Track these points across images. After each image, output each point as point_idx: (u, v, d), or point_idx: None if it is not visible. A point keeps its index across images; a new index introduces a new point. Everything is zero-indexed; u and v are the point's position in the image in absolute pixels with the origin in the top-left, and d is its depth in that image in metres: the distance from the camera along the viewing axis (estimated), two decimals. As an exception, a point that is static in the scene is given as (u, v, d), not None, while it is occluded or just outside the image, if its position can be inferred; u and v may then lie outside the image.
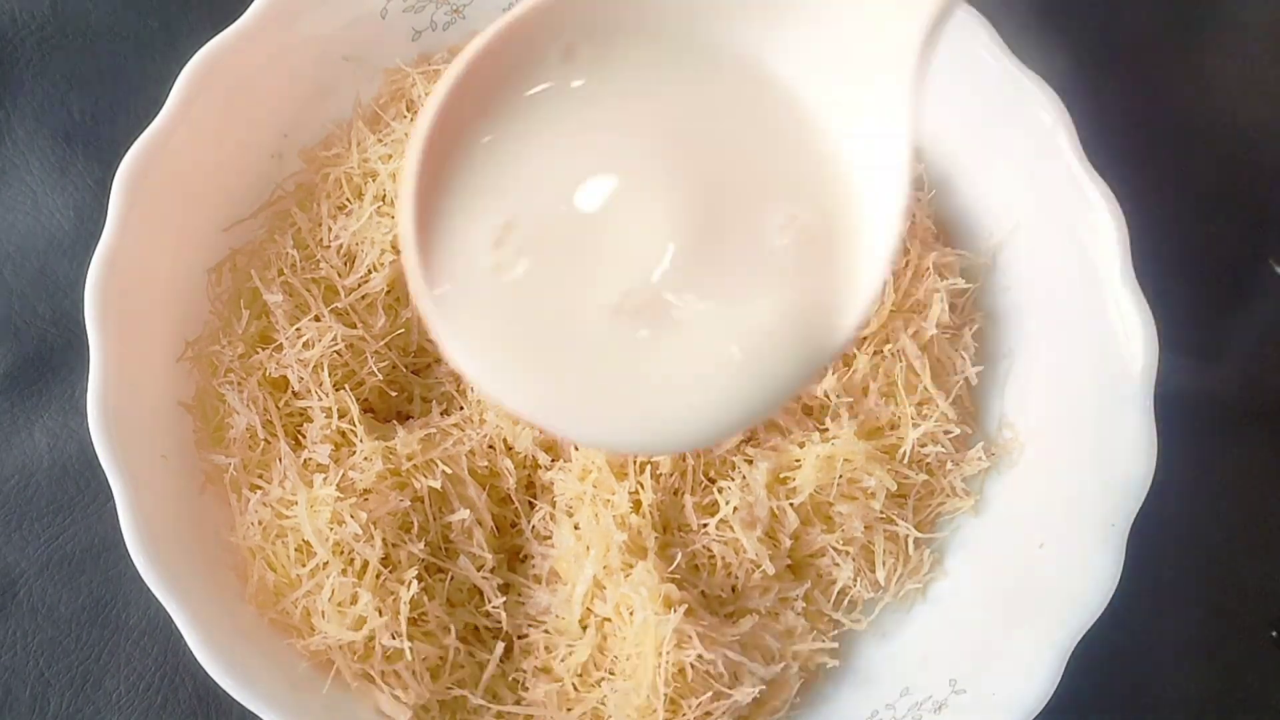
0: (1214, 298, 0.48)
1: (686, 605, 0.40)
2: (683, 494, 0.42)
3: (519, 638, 0.42)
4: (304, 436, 0.42)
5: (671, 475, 0.42)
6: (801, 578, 0.44)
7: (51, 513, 0.45)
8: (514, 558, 0.44)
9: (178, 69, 0.40)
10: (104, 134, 0.48)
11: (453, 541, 0.42)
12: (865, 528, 0.43)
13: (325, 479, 0.40)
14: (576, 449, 0.43)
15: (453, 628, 0.41)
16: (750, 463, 0.43)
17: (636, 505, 0.41)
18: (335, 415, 0.42)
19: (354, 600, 0.39)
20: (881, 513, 0.43)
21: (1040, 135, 0.42)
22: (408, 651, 0.39)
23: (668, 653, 0.39)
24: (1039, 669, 0.38)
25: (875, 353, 0.44)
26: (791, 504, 0.42)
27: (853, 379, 0.44)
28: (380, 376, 0.44)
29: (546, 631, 0.42)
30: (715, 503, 0.42)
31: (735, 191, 0.30)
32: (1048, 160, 0.42)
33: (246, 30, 0.41)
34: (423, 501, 0.42)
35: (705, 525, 0.42)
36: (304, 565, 0.40)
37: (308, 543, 0.40)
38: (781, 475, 0.43)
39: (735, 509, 0.42)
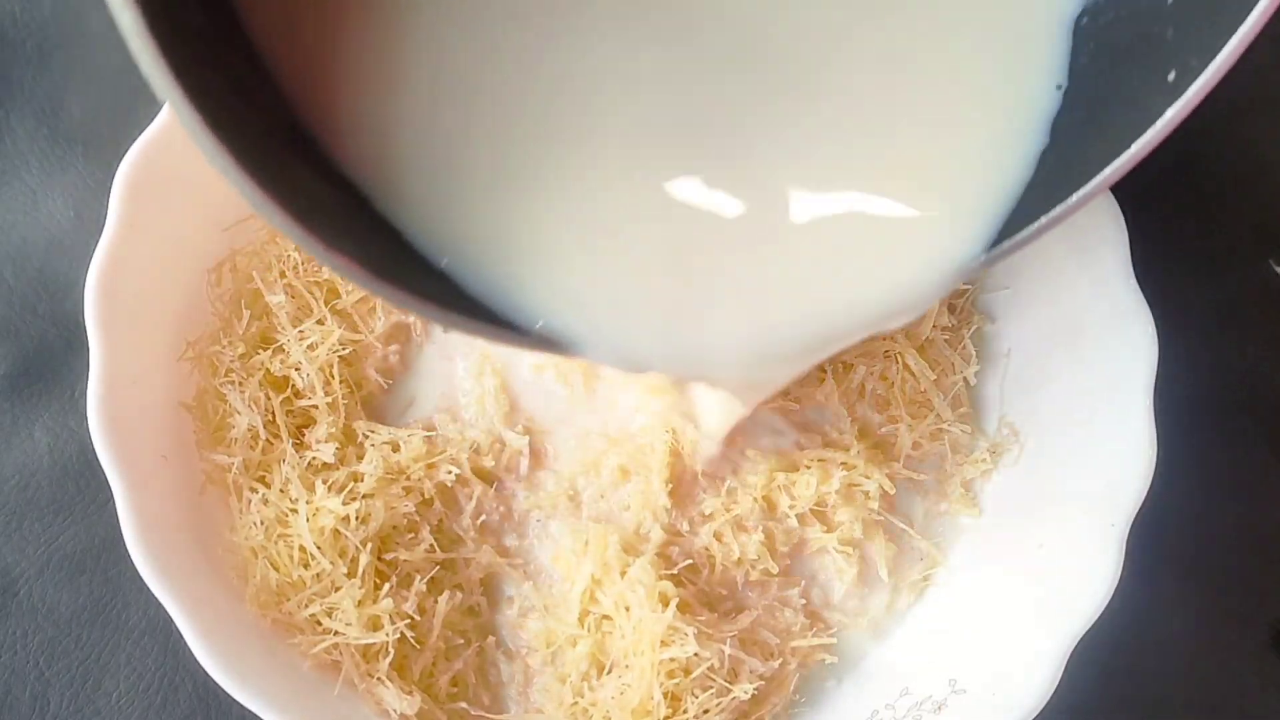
0: (1214, 298, 0.48)
1: (682, 602, 0.40)
2: (683, 499, 0.42)
3: (520, 636, 0.42)
4: (305, 437, 0.42)
5: (669, 478, 0.42)
6: (801, 576, 0.44)
7: (51, 513, 0.45)
8: (515, 556, 0.44)
9: (178, 69, 0.40)
10: (104, 134, 0.48)
11: (455, 541, 0.42)
12: (865, 528, 0.43)
13: (328, 482, 0.41)
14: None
15: (455, 627, 0.41)
16: (746, 454, 0.43)
17: (637, 504, 0.42)
18: (342, 414, 0.42)
19: (357, 601, 0.39)
20: (880, 514, 0.43)
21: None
22: (410, 651, 0.39)
23: (664, 649, 0.39)
24: (1039, 669, 0.38)
25: (873, 355, 0.44)
26: (792, 510, 0.42)
27: (851, 382, 0.44)
28: (382, 379, 0.44)
29: (548, 629, 0.42)
30: (715, 506, 0.42)
31: None
32: (1048, 160, 0.42)
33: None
34: (426, 502, 0.42)
35: (702, 528, 0.42)
36: (306, 567, 0.40)
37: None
38: (780, 482, 0.43)
39: (728, 510, 0.42)
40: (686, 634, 0.39)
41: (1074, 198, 0.26)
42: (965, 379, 0.45)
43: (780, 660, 0.42)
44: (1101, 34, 0.29)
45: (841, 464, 0.43)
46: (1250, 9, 0.23)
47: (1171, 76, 0.25)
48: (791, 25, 0.29)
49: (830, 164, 0.29)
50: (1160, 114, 0.25)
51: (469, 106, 0.28)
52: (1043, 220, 0.27)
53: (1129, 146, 0.25)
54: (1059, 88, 0.30)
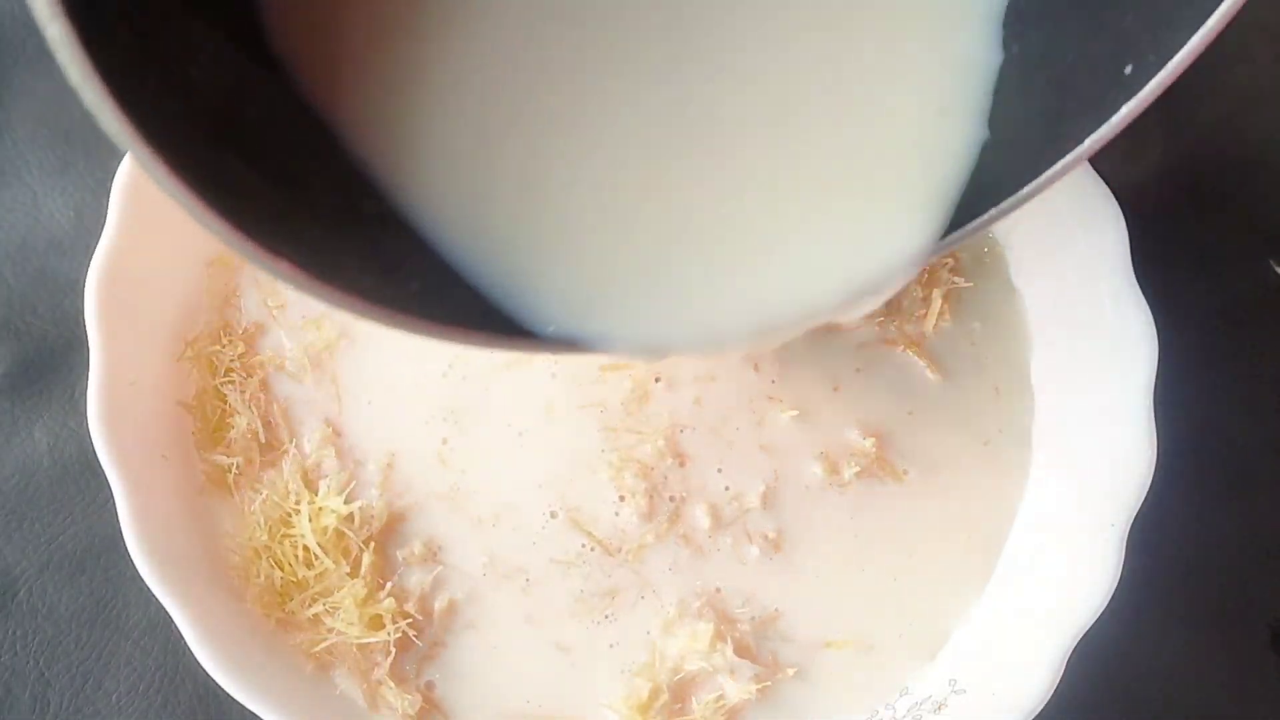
0: (1214, 298, 0.48)
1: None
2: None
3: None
4: (304, 436, 0.42)
5: (665, 477, 0.42)
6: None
7: (51, 513, 0.45)
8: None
9: (178, 69, 0.40)
10: (104, 134, 0.48)
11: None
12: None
13: (328, 480, 0.41)
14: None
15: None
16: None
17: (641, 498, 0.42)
18: (341, 412, 0.42)
19: (359, 600, 0.39)
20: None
21: (1041, 135, 0.42)
22: (413, 649, 0.39)
23: (669, 645, 0.39)
24: (1039, 669, 0.38)
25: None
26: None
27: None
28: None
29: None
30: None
31: None
32: (1048, 160, 0.42)
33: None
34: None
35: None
36: (310, 566, 0.40)
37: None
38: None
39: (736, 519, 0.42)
40: (694, 632, 0.39)
41: (1026, 189, 0.25)
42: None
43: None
44: (1048, 22, 0.28)
45: (851, 464, 0.43)
46: (1216, 4, 0.22)
47: (1129, 70, 0.24)
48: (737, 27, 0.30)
49: (797, 163, 0.29)
50: (1115, 109, 0.23)
51: (486, 106, 0.29)
52: (991, 212, 0.26)
53: (1081, 141, 0.24)
54: (1002, 62, 0.29)
